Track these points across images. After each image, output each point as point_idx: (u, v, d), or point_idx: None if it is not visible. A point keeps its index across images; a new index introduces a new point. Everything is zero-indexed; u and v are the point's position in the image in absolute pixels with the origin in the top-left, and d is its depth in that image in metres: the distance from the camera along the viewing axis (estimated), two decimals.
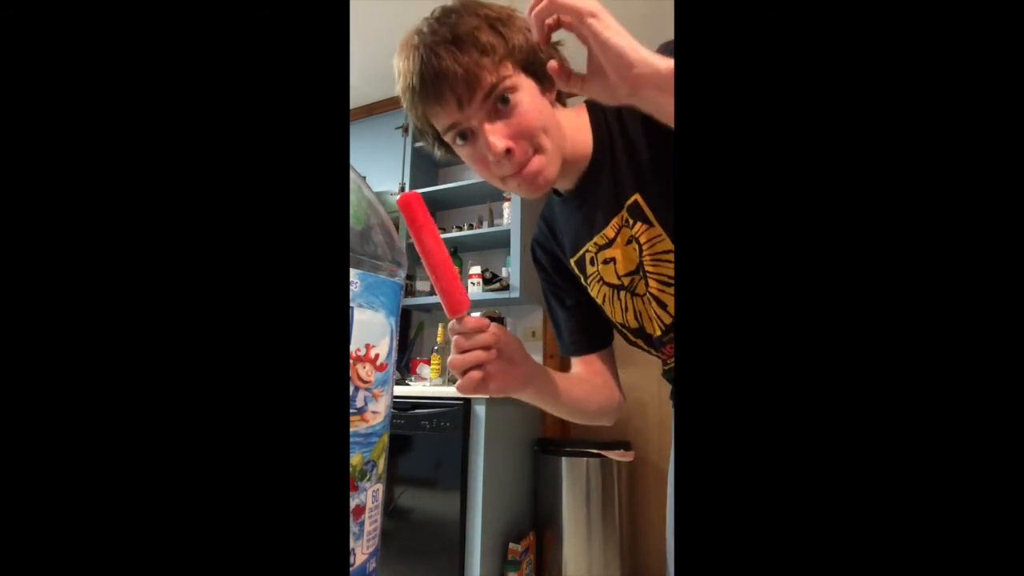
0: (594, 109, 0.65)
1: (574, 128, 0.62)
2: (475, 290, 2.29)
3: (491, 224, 2.42)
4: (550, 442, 2.12)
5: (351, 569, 0.31)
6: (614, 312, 0.71)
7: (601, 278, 0.70)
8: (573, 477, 1.96)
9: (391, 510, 1.82)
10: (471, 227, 2.48)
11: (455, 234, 2.45)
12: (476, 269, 2.33)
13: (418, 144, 2.59)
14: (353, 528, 0.31)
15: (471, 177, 2.39)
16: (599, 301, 0.72)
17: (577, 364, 0.78)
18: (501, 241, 2.38)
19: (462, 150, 0.58)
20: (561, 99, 0.62)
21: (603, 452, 1.95)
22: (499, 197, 2.43)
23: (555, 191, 0.71)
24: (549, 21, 0.46)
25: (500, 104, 0.54)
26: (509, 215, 2.31)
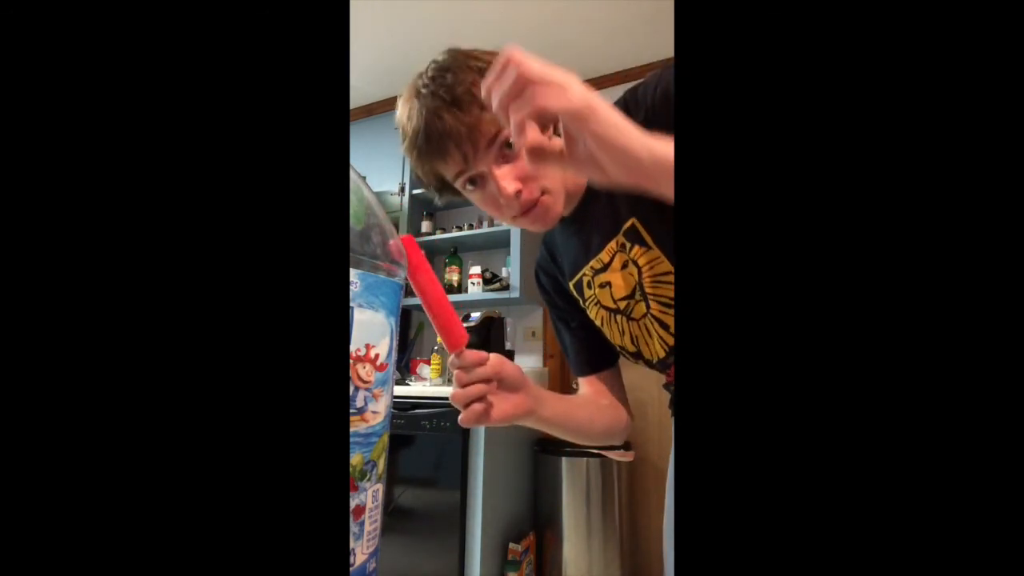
0: None
1: None
2: (475, 290, 2.29)
3: (491, 224, 2.41)
4: (550, 442, 2.12)
5: (351, 569, 0.31)
6: (612, 335, 0.72)
7: (598, 301, 0.71)
8: (573, 477, 1.96)
9: (391, 510, 1.82)
10: (471, 227, 2.48)
11: (455, 234, 2.45)
12: (476, 269, 2.33)
13: None
14: (353, 528, 0.31)
15: None
16: (598, 324, 0.73)
17: (583, 384, 0.79)
18: (501, 241, 2.38)
19: (472, 194, 0.61)
20: (557, 132, 0.63)
21: (603, 452, 1.95)
22: None
23: None
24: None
25: (506, 149, 0.57)
26: None
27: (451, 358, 0.53)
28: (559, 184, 0.61)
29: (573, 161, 0.42)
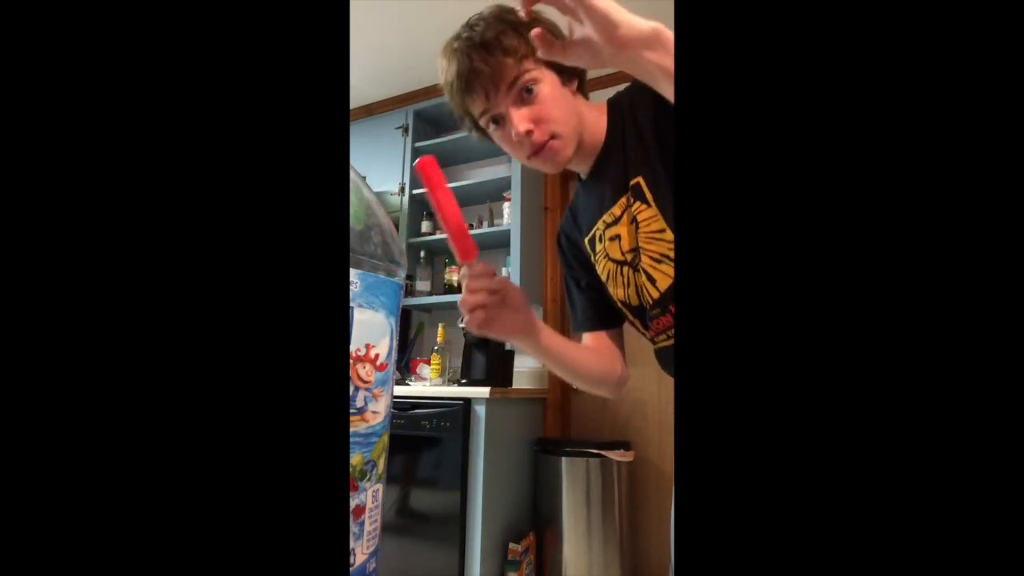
0: (613, 105, 0.74)
1: (592, 117, 0.72)
2: None
3: (491, 224, 2.41)
4: (550, 442, 2.12)
5: (351, 569, 0.31)
6: (616, 290, 0.76)
7: (607, 255, 0.75)
8: (573, 477, 1.96)
9: (398, 509, 1.82)
10: (471, 227, 2.48)
11: None
12: None
13: (418, 144, 2.59)
14: (353, 528, 0.31)
15: (471, 177, 2.39)
16: (604, 279, 0.78)
17: (587, 338, 0.84)
18: (501, 241, 2.38)
19: (495, 133, 0.70)
20: (583, 91, 0.73)
21: (603, 452, 1.95)
22: (499, 197, 2.43)
23: (578, 177, 0.79)
24: None
25: (525, 94, 0.65)
26: (509, 215, 2.31)
27: (462, 269, 0.59)
28: (570, 130, 0.68)
29: (572, 41, 0.49)
